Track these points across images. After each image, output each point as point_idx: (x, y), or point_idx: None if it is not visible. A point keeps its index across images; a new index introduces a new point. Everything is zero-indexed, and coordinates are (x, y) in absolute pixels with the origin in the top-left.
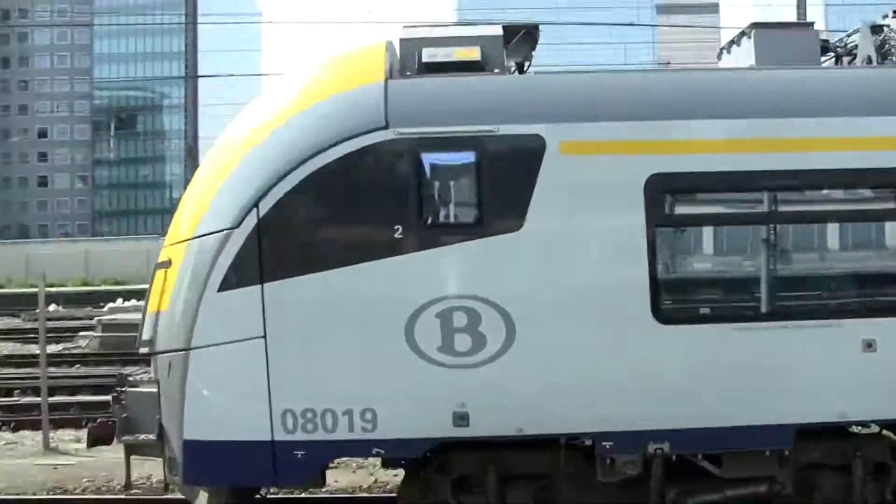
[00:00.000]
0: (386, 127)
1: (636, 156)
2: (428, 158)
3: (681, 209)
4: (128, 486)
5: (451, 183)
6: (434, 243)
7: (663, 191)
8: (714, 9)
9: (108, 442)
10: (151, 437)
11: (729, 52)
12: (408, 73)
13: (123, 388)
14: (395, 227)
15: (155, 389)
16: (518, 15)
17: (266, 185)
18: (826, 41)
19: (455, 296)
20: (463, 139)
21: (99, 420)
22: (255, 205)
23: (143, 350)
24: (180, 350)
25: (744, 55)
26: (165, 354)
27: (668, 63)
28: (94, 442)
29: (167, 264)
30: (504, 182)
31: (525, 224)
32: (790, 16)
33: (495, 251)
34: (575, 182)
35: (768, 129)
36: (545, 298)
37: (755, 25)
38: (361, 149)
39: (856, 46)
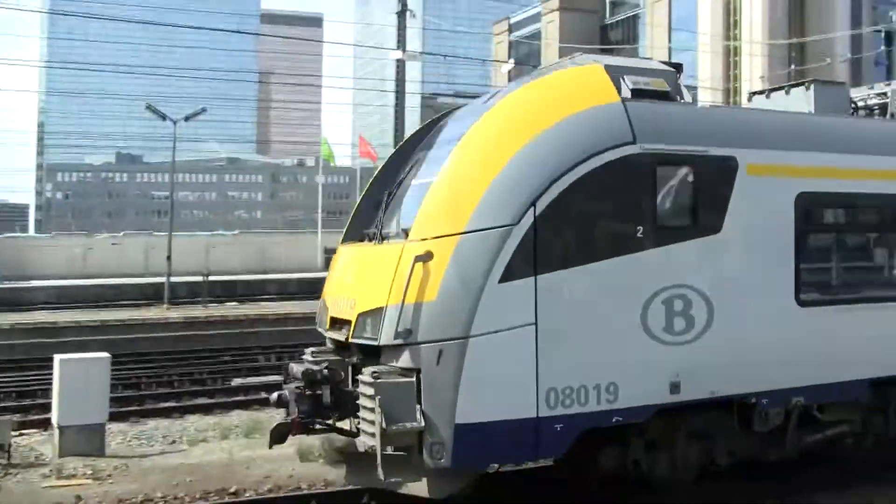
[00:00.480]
0: (634, 142)
1: (792, 178)
2: (661, 171)
3: (819, 220)
4: (387, 474)
5: (676, 192)
6: (663, 242)
7: (807, 205)
8: (317, 23)
9: (284, 440)
10: (416, 424)
11: (788, 93)
12: (627, 98)
13: (306, 381)
14: (638, 228)
15: (410, 379)
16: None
17: (542, 186)
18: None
19: (676, 285)
20: (686, 157)
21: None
22: (533, 203)
23: (395, 342)
24: (457, 339)
25: (802, 102)
26: (432, 344)
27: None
28: (278, 439)
29: (428, 257)
30: (711, 193)
31: (723, 228)
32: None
33: (703, 250)
34: (754, 195)
35: (874, 162)
36: (734, 289)
37: (815, 81)
38: (616, 160)
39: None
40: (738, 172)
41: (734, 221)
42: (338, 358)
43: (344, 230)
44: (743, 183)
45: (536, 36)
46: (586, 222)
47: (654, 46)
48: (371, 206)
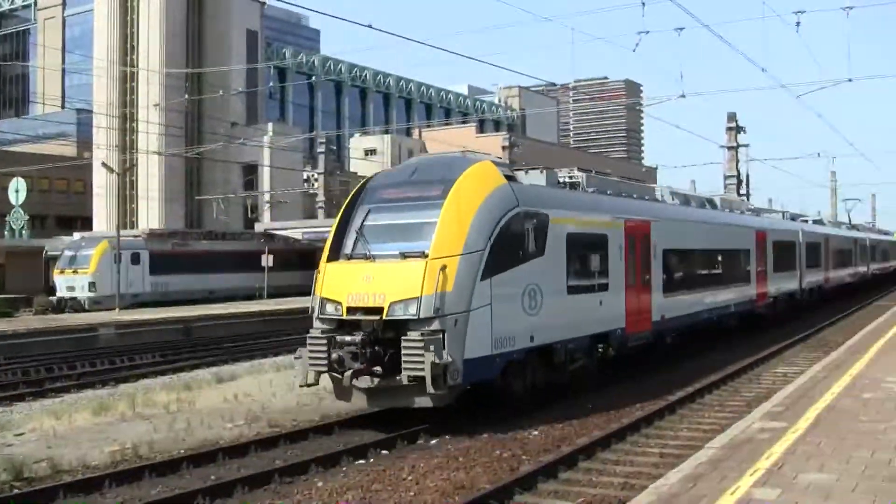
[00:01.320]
0: (518, 206)
1: (564, 224)
2: (527, 222)
3: (575, 247)
4: (438, 385)
5: (530, 232)
6: (527, 259)
7: (570, 239)
8: None
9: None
10: (447, 360)
11: (527, 173)
12: (518, 181)
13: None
14: (521, 252)
15: (440, 336)
16: None
17: (491, 229)
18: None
19: (531, 283)
20: (534, 213)
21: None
22: (489, 238)
23: (430, 315)
24: (464, 312)
25: (538, 179)
26: (452, 315)
27: None
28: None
29: (444, 267)
30: (542, 233)
31: (545, 252)
32: None
33: (539, 264)
34: (553, 234)
35: (592, 216)
36: (548, 285)
37: (546, 168)
38: (514, 215)
39: None
40: (549, 222)
41: (548, 249)
42: (341, 333)
43: (325, 255)
44: (550, 228)
45: None
46: (505, 249)
47: (46, 67)
48: (343, 239)
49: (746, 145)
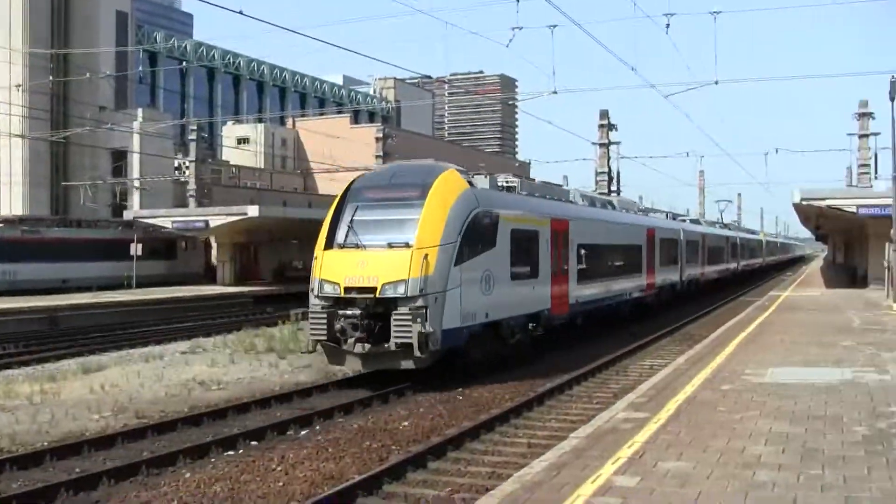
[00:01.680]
0: (479, 206)
1: (510, 222)
2: (485, 220)
3: (518, 242)
4: (422, 350)
5: (486, 228)
6: (485, 250)
7: (514, 235)
8: None
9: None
10: (429, 329)
11: (485, 176)
12: (475, 186)
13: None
14: (481, 244)
15: (423, 311)
16: None
17: (460, 226)
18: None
19: (487, 270)
20: (490, 213)
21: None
22: (460, 233)
23: (415, 293)
24: (443, 291)
25: (484, 183)
26: (433, 294)
27: None
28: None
29: (427, 256)
30: (494, 229)
31: (496, 245)
32: None
33: (493, 254)
34: (502, 230)
35: (530, 215)
36: (498, 272)
37: (490, 174)
38: (475, 214)
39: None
40: (500, 220)
41: (498, 242)
42: (342, 308)
43: (321, 244)
44: (500, 225)
45: None
46: (470, 242)
47: None
48: (336, 231)
49: (618, 143)
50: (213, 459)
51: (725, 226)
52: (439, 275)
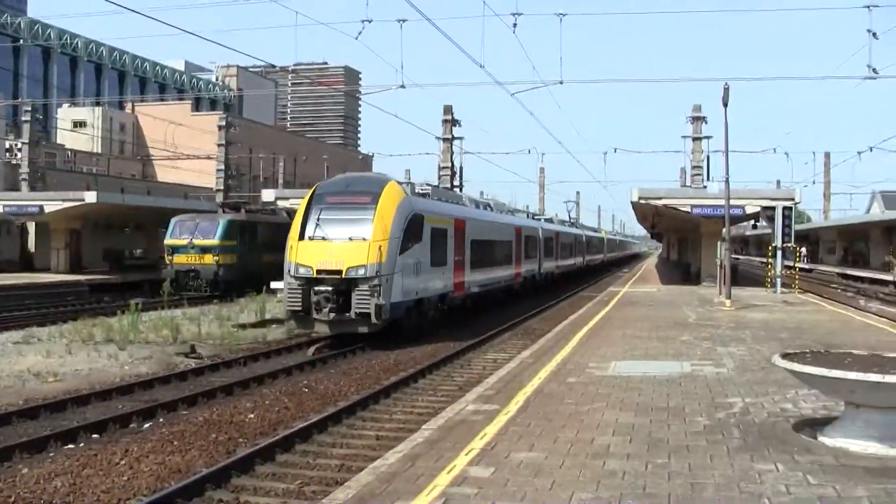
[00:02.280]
0: (414, 210)
1: (429, 223)
2: (420, 221)
3: (436, 238)
4: (378, 318)
5: (418, 227)
6: (416, 243)
7: (433, 232)
8: None
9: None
10: (381, 302)
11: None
12: (409, 194)
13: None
14: (416, 240)
15: (378, 288)
16: None
17: (403, 224)
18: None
19: (417, 258)
20: (422, 216)
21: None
22: (402, 230)
23: (371, 275)
24: (392, 273)
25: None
26: (385, 275)
27: None
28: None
29: (380, 247)
30: (421, 227)
31: (422, 239)
32: None
33: (420, 246)
34: (426, 229)
35: (447, 217)
36: (423, 260)
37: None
38: (412, 217)
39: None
40: (425, 220)
41: (423, 238)
42: (316, 285)
43: (298, 236)
44: (425, 224)
45: None
46: (408, 237)
47: None
48: (306, 226)
49: (461, 138)
50: (51, 454)
51: (573, 224)
52: (389, 261)
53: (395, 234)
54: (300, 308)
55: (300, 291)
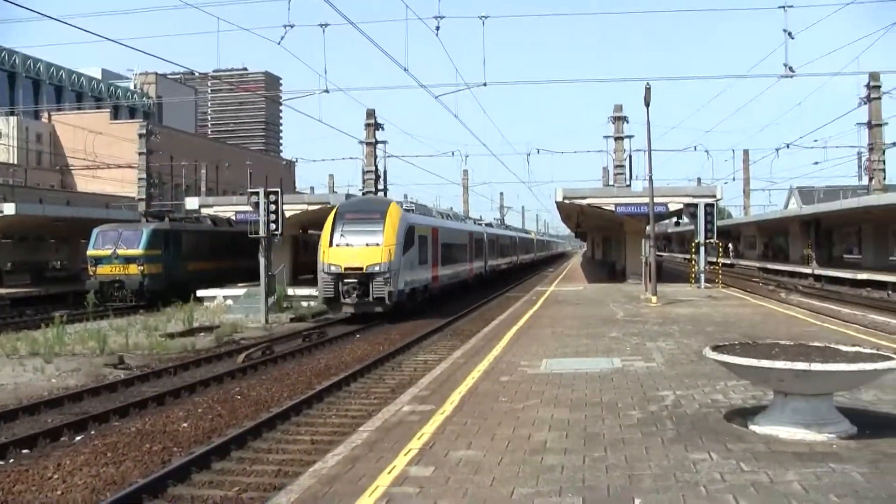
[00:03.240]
0: (411, 224)
1: (418, 233)
2: (412, 230)
3: (421, 243)
4: (390, 300)
5: (412, 234)
6: (410, 247)
7: (419, 239)
8: None
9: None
10: (392, 289)
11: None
12: (406, 210)
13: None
14: (410, 244)
15: (389, 278)
16: None
17: (404, 234)
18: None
19: (410, 257)
20: (391, 225)
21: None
22: (402, 237)
23: (384, 270)
24: (398, 269)
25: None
26: (395, 270)
27: None
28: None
29: (389, 250)
30: (413, 235)
31: (414, 244)
32: None
33: (413, 249)
34: (414, 235)
35: (429, 226)
36: (413, 258)
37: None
38: (408, 228)
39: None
40: (415, 229)
41: (415, 243)
42: (344, 279)
43: (328, 244)
44: (415, 232)
45: None
46: (406, 242)
47: None
48: (333, 236)
49: (385, 142)
50: None
51: (507, 227)
52: (395, 260)
53: (398, 241)
54: (333, 296)
55: (332, 284)
